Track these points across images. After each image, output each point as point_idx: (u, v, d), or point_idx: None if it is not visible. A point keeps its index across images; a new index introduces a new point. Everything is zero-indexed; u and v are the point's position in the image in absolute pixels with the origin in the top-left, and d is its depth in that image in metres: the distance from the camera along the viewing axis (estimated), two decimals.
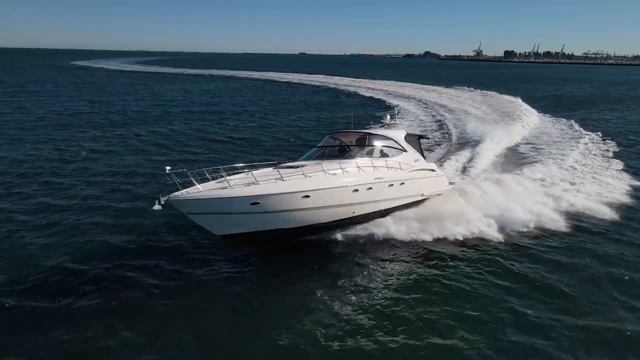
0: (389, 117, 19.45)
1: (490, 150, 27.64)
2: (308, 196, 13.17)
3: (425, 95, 63.55)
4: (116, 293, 11.90)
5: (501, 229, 15.62)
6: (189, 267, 13.33)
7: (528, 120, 40.19)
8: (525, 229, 15.82)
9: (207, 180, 12.82)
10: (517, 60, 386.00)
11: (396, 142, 17.02)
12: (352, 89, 76.92)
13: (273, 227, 13.28)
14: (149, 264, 13.51)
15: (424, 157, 18.48)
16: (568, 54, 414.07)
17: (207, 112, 47.01)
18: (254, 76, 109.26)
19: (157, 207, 11.70)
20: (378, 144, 16.62)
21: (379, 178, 15.03)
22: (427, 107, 50.72)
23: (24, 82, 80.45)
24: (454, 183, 19.49)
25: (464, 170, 24.01)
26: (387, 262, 13.91)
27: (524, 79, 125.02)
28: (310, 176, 13.54)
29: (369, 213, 15.20)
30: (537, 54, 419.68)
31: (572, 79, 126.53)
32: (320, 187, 13.43)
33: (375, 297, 11.83)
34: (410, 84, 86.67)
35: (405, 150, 17.08)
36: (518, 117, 41.45)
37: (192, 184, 12.24)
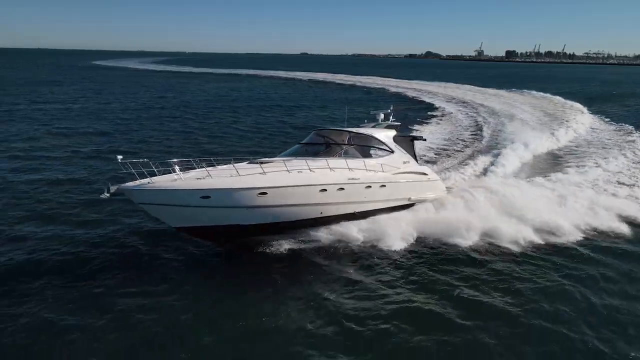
0: (382, 115, 18.62)
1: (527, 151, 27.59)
2: (265, 193, 12.96)
3: (450, 92, 69.33)
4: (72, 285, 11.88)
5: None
6: (146, 261, 13.27)
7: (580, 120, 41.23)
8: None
9: (174, 172, 12.72)
10: (520, 60, 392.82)
11: (382, 142, 16.56)
12: (378, 86, 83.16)
13: (228, 222, 13.13)
14: (99, 257, 13.49)
15: (416, 159, 17.91)
16: (570, 54, 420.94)
17: (268, 105, 52.94)
18: (279, 75, 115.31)
19: (105, 195, 11.60)
20: (360, 143, 16.38)
21: (353, 179, 14.57)
22: (453, 103, 56.69)
23: (76, 80, 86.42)
24: (452, 188, 18.78)
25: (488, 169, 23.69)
26: (366, 266, 13.39)
27: (532, 78, 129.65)
28: (269, 173, 13.23)
29: (339, 215, 14.75)
30: (538, 54, 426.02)
31: (579, 78, 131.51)
32: (278, 184, 13.14)
33: (340, 303, 11.37)
34: (432, 82, 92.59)
35: (392, 152, 16.45)
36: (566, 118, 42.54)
37: (156, 174, 12.43)
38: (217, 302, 11.40)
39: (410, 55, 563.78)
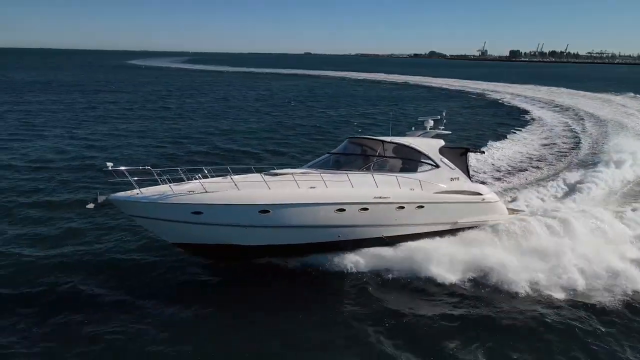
0: (432, 122, 15.76)
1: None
2: (267, 211, 11.56)
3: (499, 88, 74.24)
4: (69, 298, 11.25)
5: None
6: (141, 277, 12.41)
7: None
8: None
9: (181, 180, 11.80)
10: (526, 60, 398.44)
11: (424, 154, 14.26)
12: (434, 85, 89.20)
13: (225, 242, 11.97)
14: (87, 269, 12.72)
15: (469, 175, 15.52)
16: (574, 54, 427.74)
17: (364, 104, 58.47)
18: (331, 74, 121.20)
19: (90, 205, 10.97)
20: (396, 155, 14.33)
21: (380, 197, 12.61)
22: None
23: (138, 84, 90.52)
24: (520, 211, 16.40)
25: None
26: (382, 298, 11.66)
27: (544, 76, 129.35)
28: (275, 188, 11.74)
29: (363, 239, 12.90)
30: (542, 54, 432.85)
31: (600, 77, 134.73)
32: (282, 201, 11.69)
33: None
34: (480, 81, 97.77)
35: (437, 166, 14.30)
36: None
37: (145, 184, 11.52)
38: (217, 331, 10.31)
39: (415, 55, 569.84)
